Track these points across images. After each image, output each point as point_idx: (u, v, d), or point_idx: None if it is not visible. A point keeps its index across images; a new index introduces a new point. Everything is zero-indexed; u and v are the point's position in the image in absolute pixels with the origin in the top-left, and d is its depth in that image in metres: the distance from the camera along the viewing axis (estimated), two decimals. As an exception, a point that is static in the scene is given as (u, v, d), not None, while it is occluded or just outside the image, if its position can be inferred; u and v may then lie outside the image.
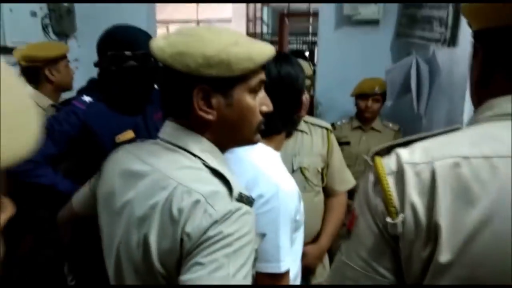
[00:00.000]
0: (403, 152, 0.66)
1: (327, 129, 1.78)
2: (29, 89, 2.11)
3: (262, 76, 0.93)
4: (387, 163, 0.66)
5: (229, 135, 0.93)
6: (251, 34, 8.85)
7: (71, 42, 3.17)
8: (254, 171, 1.09)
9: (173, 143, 0.92)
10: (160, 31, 5.36)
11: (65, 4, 3.03)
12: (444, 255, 0.59)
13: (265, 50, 0.89)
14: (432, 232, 0.60)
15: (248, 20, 9.02)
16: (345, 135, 2.61)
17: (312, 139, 1.73)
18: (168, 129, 0.94)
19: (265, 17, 9.93)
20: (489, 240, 0.57)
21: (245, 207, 0.83)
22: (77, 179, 1.54)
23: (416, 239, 0.62)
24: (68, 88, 2.22)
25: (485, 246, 0.58)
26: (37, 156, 1.58)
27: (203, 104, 0.87)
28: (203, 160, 0.89)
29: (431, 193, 0.61)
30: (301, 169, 1.67)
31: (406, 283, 0.65)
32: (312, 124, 1.77)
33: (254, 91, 0.92)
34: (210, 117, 0.88)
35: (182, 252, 0.79)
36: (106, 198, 0.96)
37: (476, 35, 0.71)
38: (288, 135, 1.24)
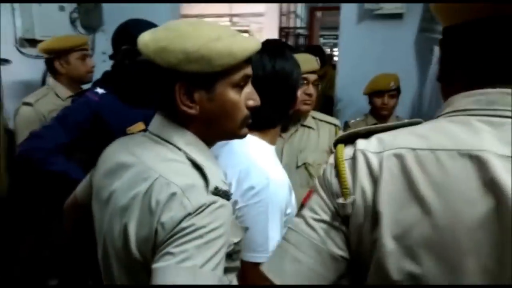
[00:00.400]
0: (361, 141, 0.70)
1: (335, 125, 1.77)
2: (50, 80, 2.21)
3: (246, 70, 0.93)
4: (346, 150, 0.71)
5: (213, 128, 0.95)
6: (284, 28, 8.81)
7: (99, 35, 3.27)
8: (246, 163, 1.11)
9: (159, 136, 0.95)
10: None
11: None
12: (385, 242, 0.61)
13: (248, 46, 0.89)
14: (377, 218, 0.63)
15: (281, 14, 8.96)
16: None
17: (318, 135, 1.73)
18: (156, 122, 0.97)
19: (299, 11, 9.83)
20: (430, 232, 0.58)
21: (220, 201, 0.84)
22: (89, 169, 1.59)
23: (364, 221, 0.65)
24: (82, 80, 2.26)
25: (425, 238, 0.58)
26: (49, 144, 1.65)
27: (185, 98, 0.89)
28: (186, 153, 0.91)
29: (376, 181, 0.64)
30: (305, 165, 1.67)
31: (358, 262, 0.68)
32: (320, 120, 1.77)
33: (238, 86, 0.92)
34: (192, 111, 0.90)
35: (157, 241, 0.82)
36: (97, 187, 1.01)
37: (442, 33, 0.71)
38: (284, 129, 1.24)
